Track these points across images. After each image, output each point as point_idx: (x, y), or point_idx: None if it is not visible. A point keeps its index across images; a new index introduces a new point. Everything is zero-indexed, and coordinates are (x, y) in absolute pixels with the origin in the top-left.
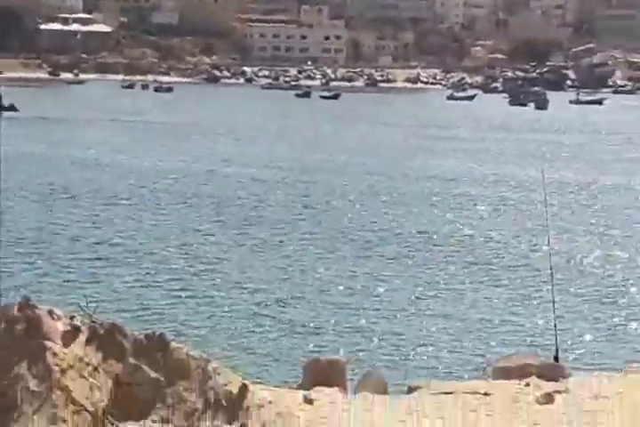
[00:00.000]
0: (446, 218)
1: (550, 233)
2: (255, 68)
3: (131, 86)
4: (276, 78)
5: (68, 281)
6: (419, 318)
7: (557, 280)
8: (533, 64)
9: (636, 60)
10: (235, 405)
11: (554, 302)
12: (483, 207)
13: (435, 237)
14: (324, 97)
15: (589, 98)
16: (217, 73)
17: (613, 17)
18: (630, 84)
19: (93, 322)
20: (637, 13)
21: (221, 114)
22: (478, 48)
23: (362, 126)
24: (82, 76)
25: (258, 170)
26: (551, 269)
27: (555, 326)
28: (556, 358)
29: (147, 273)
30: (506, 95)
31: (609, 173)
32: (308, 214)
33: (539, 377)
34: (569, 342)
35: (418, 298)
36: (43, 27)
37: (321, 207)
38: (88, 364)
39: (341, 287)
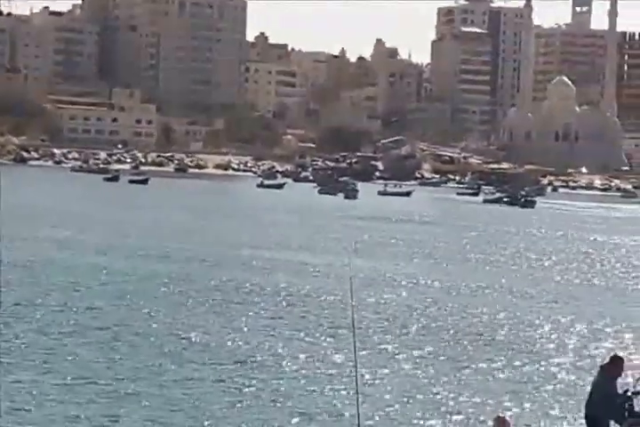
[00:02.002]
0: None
1: None
2: (65, 151)
3: None
4: (86, 161)
5: None
6: None
7: None
8: (343, 154)
9: (442, 153)
10: None
11: None
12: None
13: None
14: (133, 181)
15: (397, 189)
16: (25, 154)
17: (422, 110)
18: (437, 176)
19: None
20: (445, 107)
21: (24, 197)
22: (289, 137)
23: (161, 211)
24: None
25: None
26: None
27: None
28: None
29: None
30: (315, 184)
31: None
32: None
33: None
34: None
35: None
36: None
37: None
38: None
39: None
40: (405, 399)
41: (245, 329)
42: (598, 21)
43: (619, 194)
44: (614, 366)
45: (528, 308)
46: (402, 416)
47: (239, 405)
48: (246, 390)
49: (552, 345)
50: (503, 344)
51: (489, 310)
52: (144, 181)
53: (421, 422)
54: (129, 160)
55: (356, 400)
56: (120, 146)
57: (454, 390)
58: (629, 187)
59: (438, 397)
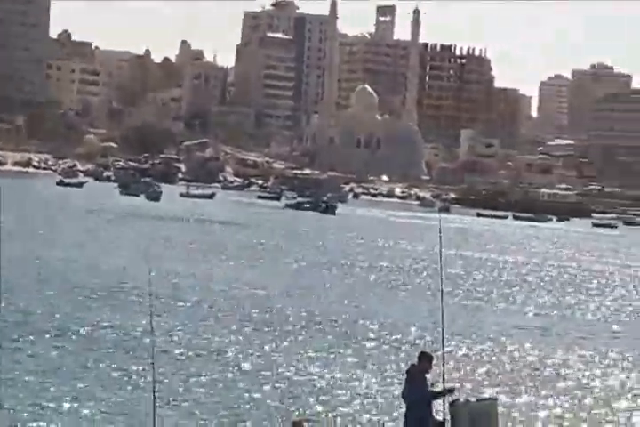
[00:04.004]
0: None
1: None
2: None
3: None
4: None
5: None
6: None
7: None
8: (146, 155)
9: (246, 157)
10: None
11: None
12: None
13: None
14: None
15: (200, 192)
16: None
17: (226, 113)
18: (240, 180)
19: None
20: (249, 111)
21: None
22: (92, 135)
23: None
24: None
25: None
26: None
27: None
28: None
29: None
30: (117, 185)
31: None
32: None
33: None
34: None
35: None
36: None
37: None
38: None
39: None
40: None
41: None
42: (402, 31)
43: (417, 202)
44: (423, 362)
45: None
46: None
47: None
48: None
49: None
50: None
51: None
52: None
53: None
54: None
55: None
56: None
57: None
58: (428, 196)
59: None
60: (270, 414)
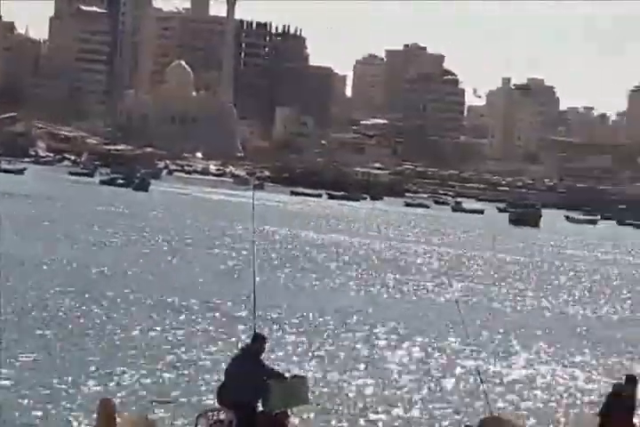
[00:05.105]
0: None
1: None
2: None
3: None
4: None
5: None
6: None
7: None
8: None
9: (58, 131)
10: None
11: None
12: None
13: None
14: None
15: (10, 167)
16: None
17: (38, 87)
18: (52, 155)
19: None
20: (62, 85)
21: None
22: None
23: None
24: None
25: None
26: None
27: None
28: None
29: None
30: None
31: None
32: None
33: None
34: None
35: None
36: None
37: None
38: None
39: None
40: None
41: None
42: (218, 8)
43: (232, 180)
44: (258, 344)
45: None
46: None
47: None
48: None
49: None
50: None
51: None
52: None
53: None
54: None
55: None
56: None
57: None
58: (243, 173)
59: None
60: None
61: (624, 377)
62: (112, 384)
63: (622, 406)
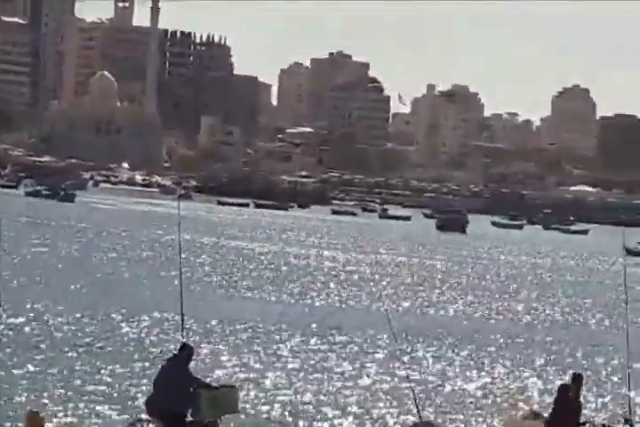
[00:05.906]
0: None
1: None
2: None
3: None
4: None
5: None
6: None
7: None
8: None
9: None
10: None
11: None
12: None
13: None
14: None
15: None
16: None
17: None
18: None
19: None
20: None
21: None
22: None
23: None
24: None
25: None
26: None
27: None
28: None
29: None
30: None
31: None
32: None
33: None
34: None
35: None
36: None
37: None
38: None
39: None
40: None
41: None
42: (141, 18)
43: (158, 190)
44: (185, 352)
45: None
46: None
47: None
48: None
49: None
50: None
51: None
52: None
53: None
54: None
55: None
56: None
57: None
58: (169, 183)
59: None
60: None
61: (570, 375)
62: (41, 396)
63: (568, 412)
